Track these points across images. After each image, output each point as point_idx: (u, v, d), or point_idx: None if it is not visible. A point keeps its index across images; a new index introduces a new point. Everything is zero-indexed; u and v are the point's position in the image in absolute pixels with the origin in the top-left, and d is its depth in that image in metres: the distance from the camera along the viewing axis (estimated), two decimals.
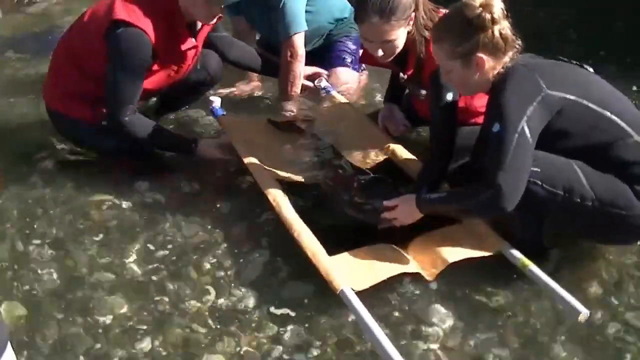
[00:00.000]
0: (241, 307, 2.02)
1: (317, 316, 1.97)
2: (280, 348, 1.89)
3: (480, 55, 1.90)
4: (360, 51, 2.82)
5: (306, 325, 1.95)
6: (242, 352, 1.88)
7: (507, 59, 1.94)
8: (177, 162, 2.71)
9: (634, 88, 3.13)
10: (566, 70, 2.01)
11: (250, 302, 2.04)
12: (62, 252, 2.27)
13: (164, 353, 1.88)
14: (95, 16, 2.53)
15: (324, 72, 3.09)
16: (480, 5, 1.87)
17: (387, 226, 2.11)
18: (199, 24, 2.64)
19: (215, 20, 2.59)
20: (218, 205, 2.46)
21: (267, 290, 2.08)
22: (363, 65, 3.23)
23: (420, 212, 2.05)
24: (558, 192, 1.89)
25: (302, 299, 2.03)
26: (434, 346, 1.87)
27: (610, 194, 1.90)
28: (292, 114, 2.96)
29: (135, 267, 2.19)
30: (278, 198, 2.25)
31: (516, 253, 2.00)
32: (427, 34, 2.25)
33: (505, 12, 1.90)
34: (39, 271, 2.18)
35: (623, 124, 1.91)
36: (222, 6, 2.52)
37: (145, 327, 1.97)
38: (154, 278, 2.15)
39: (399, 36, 2.26)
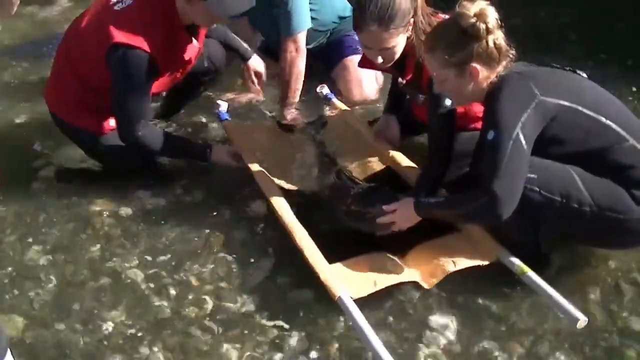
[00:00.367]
0: (241, 313, 2.03)
1: (317, 322, 1.98)
2: (281, 354, 1.90)
3: (475, 65, 1.90)
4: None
5: (307, 331, 1.96)
6: (242, 359, 1.88)
7: (500, 68, 1.93)
8: (178, 170, 2.71)
9: (634, 89, 3.12)
10: (559, 77, 2.01)
11: (251, 308, 2.05)
12: (62, 258, 2.27)
13: (164, 359, 1.89)
14: (92, 27, 2.45)
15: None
16: (475, 15, 1.86)
17: (386, 233, 2.11)
18: None
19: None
20: (218, 212, 2.46)
21: (267, 296, 2.08)
22: None
23: (418, 215, 2.05)
24: (555, 198, 1.89)
25: (302, 305, 2.04)
26: (436, 352, 1.88)
27: (608, 199, 1.90)
28: (295, 113, 2.95)
29: (135, 274, 2.20)
30: (280, 204, 2.26)
31: (514, 260, 2.00)
32: None
33: (499, 22, 1.89)
34: (39, 278, 2.19)
35: (618, 129, 1.91)
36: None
37: (145, 333, 1.98)
38: (154, 284, 2.16)
39: (398, 43, 2.26)
